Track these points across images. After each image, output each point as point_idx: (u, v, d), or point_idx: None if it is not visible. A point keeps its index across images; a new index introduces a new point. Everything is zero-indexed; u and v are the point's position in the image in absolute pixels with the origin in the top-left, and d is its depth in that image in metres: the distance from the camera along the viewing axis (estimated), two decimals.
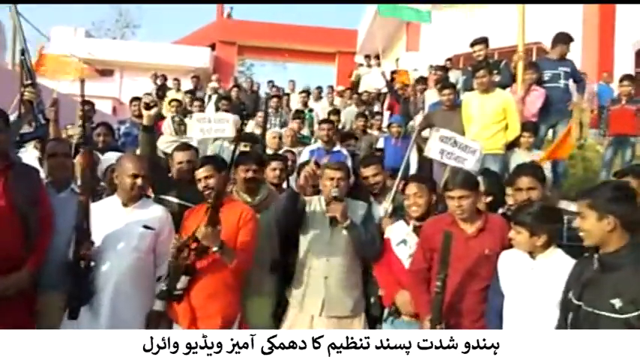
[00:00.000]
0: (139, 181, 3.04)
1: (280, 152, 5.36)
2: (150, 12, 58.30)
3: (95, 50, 21.12)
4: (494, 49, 7.98)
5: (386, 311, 3.26)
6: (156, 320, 3.00)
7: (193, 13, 52.73)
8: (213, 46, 22.08)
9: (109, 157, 3.71)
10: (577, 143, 8.71)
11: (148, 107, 3.38)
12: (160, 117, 7.64)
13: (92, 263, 2.90)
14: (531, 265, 2.63)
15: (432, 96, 7.52)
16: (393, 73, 10.67)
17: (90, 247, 2.86)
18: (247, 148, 5.19)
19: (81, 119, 5.59)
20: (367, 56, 13.03)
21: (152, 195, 3.47)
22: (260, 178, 3.51)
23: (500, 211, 3.39)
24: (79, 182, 3.48)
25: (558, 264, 2.55)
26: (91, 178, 3.04)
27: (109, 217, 3.04)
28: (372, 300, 3.35)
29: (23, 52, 3.45)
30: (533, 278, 2.59)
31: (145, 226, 3.04)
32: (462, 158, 4.21)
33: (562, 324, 2.38)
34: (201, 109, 7.59)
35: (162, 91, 10.19)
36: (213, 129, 5.04)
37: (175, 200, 3.42)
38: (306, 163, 4.09)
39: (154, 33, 55.67)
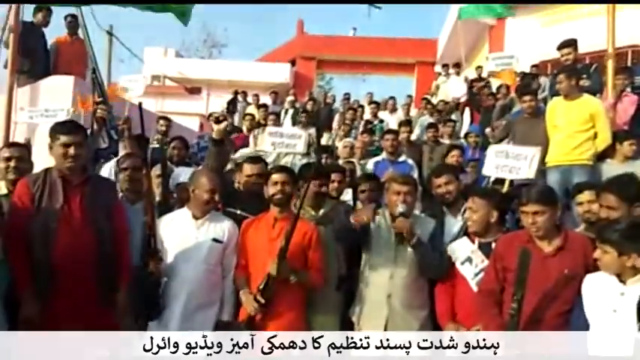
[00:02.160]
0: (216, 196, 3.10)
1: (340, 162, 5.31)
2: (235, 31, 61.06)
3: (184, 69, 22.29)
4: (584, 53, 7.42)
5: None
6: (224, 331, 3.01)
7: (275, 31, 54.52)
8: (293, 62, 22.57)
9: (179, 173, 3.80)
10: None
11: (217, 121, 3.43)
12: (237, 130, 7.90)
13: (164, 279, 2.98)
14: (621, 289, 2.34)
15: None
16: (472, 81, 10.29)
17: (159, 263, 2.94)
18: (328, 160, 5.19)
19: (161, 134, 5.90)
20: (445, 65, 12.70)
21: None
22: (327, 192, 3.45)
23: None
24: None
25: None
26: (152, 198, 3.11)
27: (180, 230, 3.11)
28: None
29: (94, 71, 3.63)
30: (623, 305, 2.31)
31: (214, 239, 3.09)
32: (515, 168, 3.97)
33: None
34: (277, 122, 7.68)
35: (232, 105, 10.55)
36: (284, 143, 5.04)
37: (241, 213, 3.40)
38: (368, 177, 3.98)
39: (239, 51, 58.05)
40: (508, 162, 4.03)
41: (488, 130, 6.97)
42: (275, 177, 3.14)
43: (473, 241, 3.08)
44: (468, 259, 3.04)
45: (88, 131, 3.59)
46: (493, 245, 2.95)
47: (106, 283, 2.89)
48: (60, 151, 2.85)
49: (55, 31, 7.02)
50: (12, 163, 3.23)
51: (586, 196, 3.28)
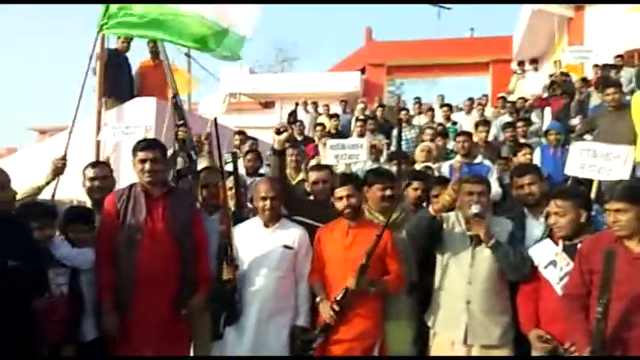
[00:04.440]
0: (267, 203, 3.15)
1: (417, 167, 5.20)
2: (305, 45, 62.57)
3: (258, 85, 22.98)
4: None
5: None
6: (300, 336, 3.06)
7: (344, 40, 55.02)
8: (363, 70, 22.61)
9: (252, 184, 3.93)
10: None
11: (278, 132, 3.51)
12: (309, 140, 8.04)
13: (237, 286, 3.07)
14: None
15: (597, 98, 6.71)
16: (551, 76, 9.81)
17: (235, 270, 3.04)
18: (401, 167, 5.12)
19: (236, 148, 6.12)
20: (521, 62, 12.19)
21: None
22: (395, 197, 3.41)
23: None
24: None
25: None
26: (228, 209, 3.24)
27: (251, 238, 3.20)
28: None
29: (175, 96, 3.84)
30: None
31: (285, 246, 3.15)
32: (605, 169, 3.68)
33: None
34: (363, 129, 7.65)
35: (293, 116, 10.78)
36: (347, 154, 5.01)
37: (307, 221, 3.42)
38: (441, 181, 3.89)
39: (309, 64, 59.12)
40: (596, 161, 3.77)
41: (576, 120, 6.55)
42: (339, 192, 3.13)
43: (557, 243, 2.92)
44: (552, 262, 2.88)
45: (171, 150, 3.81)
46: (579, 247, 2.79)
47: (186, 291, 3.04)
48: (138, 167, 3.06)
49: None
50: (97, 183, 3.49)
51: None
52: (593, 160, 3.85)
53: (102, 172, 3.56)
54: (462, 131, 6.07)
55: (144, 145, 3.13)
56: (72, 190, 3.71)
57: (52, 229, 2.90)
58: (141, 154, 3.06)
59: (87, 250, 3.01)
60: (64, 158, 3.79)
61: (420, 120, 9.52)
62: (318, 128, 7.95)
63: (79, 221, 3.10)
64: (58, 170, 3.72)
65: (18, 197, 3.32)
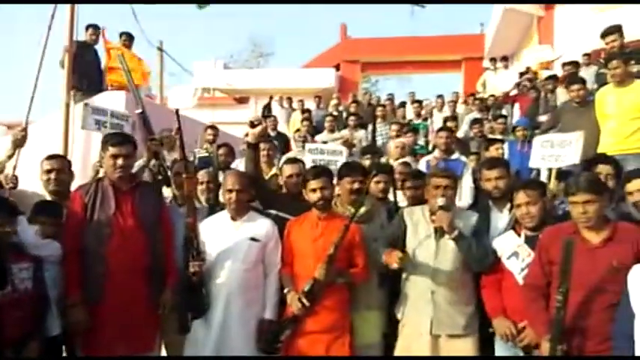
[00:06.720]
0: (232, 195, 3.15)
1: (397, 163, 5.26)
2: (280, 40, 62.44)
3: (232, 80, 22.80)
4: (633, 41, 7.06)
5: None
6: (267, 328, 3.07)
7: (319, 37, 55.05)
8: (338, 67, 22.64)
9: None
10: None
11: (252, 125, 3.52)
12: (283, 136, 8.03)
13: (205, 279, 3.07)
14: None
15: (563, 95, 6.89)
16: (521, 74, 10.00)
17: (201, 264, 3.03)
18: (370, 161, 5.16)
19: (209, 143, 6.09)
20: (493, 59, 12.41)
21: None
22: (364, 190, 3.45)
23: None
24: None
25: None
26: (193, 202, 3.23)
27: (219, 231, 3.20)
28: None
29: (143, 111, 3.77)
30: None
31: (252, 239, 3.15)
32: (561, 156, 3.82)
33: None
34: (333, 124, 7.66)
35: (267, 110, 10.80)
36: (325, 160, 4.88)
37: (281, 214, 3.45)
38: (417, 175, 3.95)
39: (285, 59, 58.75)
40: (554, 151, 3.91)
41: (544, 117, 6.71)
42: (312, 184, 3.16)
43: (519, 235, 3.01)
44: (514, 253, 2.96)
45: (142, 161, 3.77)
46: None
47: (155, 284, 3.04)
48: (109, 162, 3.02)
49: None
50: (52, 175, 3.42)
51: (635, 185, 3.07)
52: (551, 151, 3.97)
53: (58, 165, 3.49)
54: (443, 126, 6.08)
55: (116, 140, 3.08)
56: (36, 184, 3.64)
57: (12, 225, 2.74)
58: (113, 150, 3.02)
59: (53, 242, 2.96)
60: (24, 130, 3.76)
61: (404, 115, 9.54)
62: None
63: (46, 214, 3.05)
64: (19, 142, 3.67)
65: None
